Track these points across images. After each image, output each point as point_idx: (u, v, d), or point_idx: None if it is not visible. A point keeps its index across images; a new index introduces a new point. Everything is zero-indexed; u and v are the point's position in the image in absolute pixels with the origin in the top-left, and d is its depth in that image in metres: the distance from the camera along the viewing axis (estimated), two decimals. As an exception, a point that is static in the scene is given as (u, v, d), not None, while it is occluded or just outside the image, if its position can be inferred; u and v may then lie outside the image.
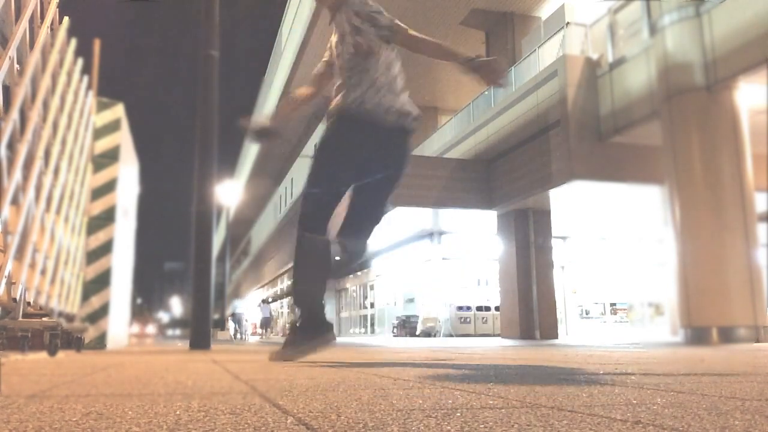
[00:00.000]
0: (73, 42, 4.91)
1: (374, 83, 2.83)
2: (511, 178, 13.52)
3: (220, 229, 41.65)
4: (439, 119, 21.70)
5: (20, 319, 3.61)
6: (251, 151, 40.83)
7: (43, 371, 2.32)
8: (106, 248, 6.53)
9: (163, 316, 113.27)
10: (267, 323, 27.72)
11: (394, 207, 13.49)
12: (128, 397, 1.30)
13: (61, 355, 3.92)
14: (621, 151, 11.66)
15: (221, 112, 7.56)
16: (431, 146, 17.68)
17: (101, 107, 6.68)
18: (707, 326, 8.88)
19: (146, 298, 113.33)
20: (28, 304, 3.85)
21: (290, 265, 3.08)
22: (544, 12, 17.38)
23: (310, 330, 2.91)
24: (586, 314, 18.73)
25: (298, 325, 2.95)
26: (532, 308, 14.00)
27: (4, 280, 3.15)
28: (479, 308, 18.62)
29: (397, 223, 15.90)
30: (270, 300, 43.56)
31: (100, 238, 6.50)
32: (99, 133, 6.60)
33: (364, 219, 3.01)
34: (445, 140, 16.96)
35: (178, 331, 76.86)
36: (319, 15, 19.54)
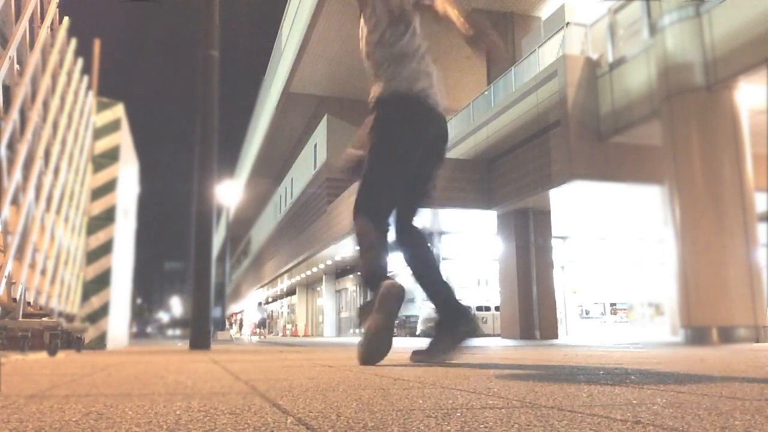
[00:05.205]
0: (73, 42, 4.91)
1: (416, 65, 2.78)
2: (511, 178, 13.52)
3: (220, 229, 41.64)
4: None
5: (20, 319, 3.61)
6: (251, 151, 40.85)
7: (43, 371, 2.32)
8: (106, 248, 6.52)
9: (163, 316, 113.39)
10: (263, 323, 28.05)
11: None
12: (128, 397, 1.30)
13: (61, 355, 3.92)
14: (621, 151, 11.66)
15: (221, 112, 7.57)
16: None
17: (101, 107, 6.68)
18: (707, 326, 8.88)
19: (146, 298, 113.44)
20: (28, 304, 3.85)
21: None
22: (544, 12, 17.39)
23: (448, 327, 2.75)
24: (586, 314, 18.74)
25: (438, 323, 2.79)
26: (532, 308, 14.00)
27: (4, 280, 3.16)
28: (479, 308, 18.62)
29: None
30: (270, 300, 43.59)
31: (100, 238, 6.49)
32: (99, 133, 6.60)
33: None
34: (445, 140, 16.94)
35: (178, 331, 76.87)
36: (320, 15, 19.56)
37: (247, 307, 45.32)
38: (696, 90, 9.44)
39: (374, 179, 2.81)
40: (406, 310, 20.44)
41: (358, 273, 2.88)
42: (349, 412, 1.03)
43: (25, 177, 3.64)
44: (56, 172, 4.42)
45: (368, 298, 2.78)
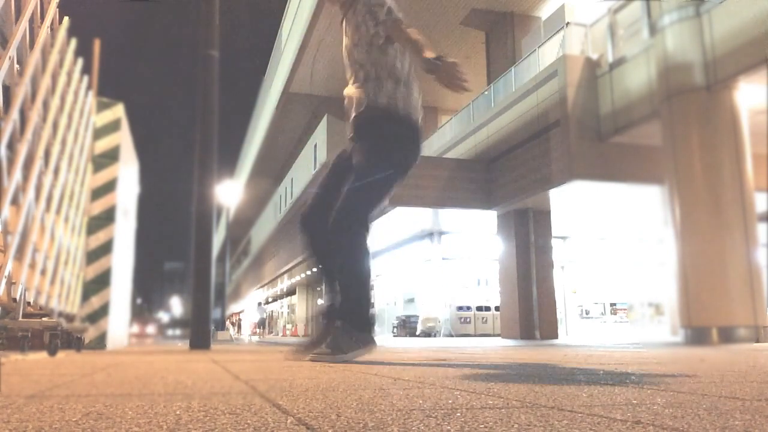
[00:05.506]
0: (73, 42, 4.91)
1: (399, 80, 2.81)
2: (511, 178, 13.52)
3: (220, 229, 41.63)
4: (439, 119, 21.71)
5: (20, 319, 3.61)
6: (251, 151, 40.84)
7: (43, 371, 2.32)
8: (106, 248, 6.52)
9: (163, 316, 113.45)
10: (262, 323, 28.18)
11: (394, 207, 13.50)
12: (128, 397, 1.30)
13: (61, 355, 3.92)
14: (621, 151, 11.66)
15: (221, 112, 7.57)
16: (431, 146, 17.71)
17: (101, 107, 6.68)
18: (707, 326, 8.88)
19: (146, 298, 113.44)
20: (28, 304, 3.85)
21: (298, 261, 2.79)
22: (544, 12, 17.39)
23: (353, 332, 2.68)
24: (586, 314, 18.74)
25: (339, 324, 2.70)
26: (532, 308, 14.00)
27: (4, 280, 3.15)
28: (479, 308, 18.64)
29: (397, 223, 15.91)
30: (269, 300, 43.60)
31: (100, 238, 6.49)
32: (99, 133, 6.60)
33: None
34: (445, 140, 16.96)
35: (178, 331, 76.93)
36: (320, 15, 19.56)
37: (247, 307, 45.33)
38: (696, 90, 9.44)
39: (370, 193, 2.77)
40: (406, 310, 20.45)
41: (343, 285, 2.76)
42: (349, 412, 1.03)
43: (25, 177, 3.63)
44: (56, 172, 4.42)
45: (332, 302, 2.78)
